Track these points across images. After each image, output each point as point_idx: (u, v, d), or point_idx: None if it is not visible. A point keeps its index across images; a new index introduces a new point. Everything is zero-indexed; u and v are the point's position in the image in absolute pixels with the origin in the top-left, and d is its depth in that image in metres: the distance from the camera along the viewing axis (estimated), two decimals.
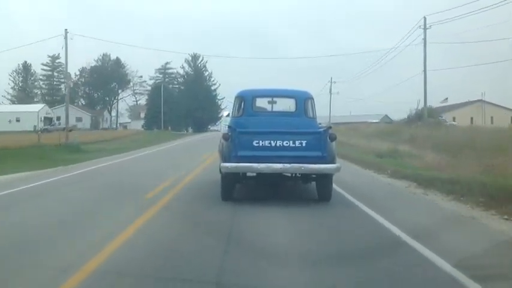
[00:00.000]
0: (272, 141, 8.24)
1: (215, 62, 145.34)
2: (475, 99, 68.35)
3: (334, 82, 73.22)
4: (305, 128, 8.96)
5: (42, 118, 68.90)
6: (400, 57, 60.90)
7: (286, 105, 10.10)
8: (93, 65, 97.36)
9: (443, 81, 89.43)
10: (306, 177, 8.91)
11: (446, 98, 67.33)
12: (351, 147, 23.99)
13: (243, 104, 9.72)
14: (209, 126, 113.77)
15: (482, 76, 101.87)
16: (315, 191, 9.00)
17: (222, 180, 8.75)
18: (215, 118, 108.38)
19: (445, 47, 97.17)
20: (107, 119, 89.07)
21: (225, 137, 8.55)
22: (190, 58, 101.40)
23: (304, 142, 8.25)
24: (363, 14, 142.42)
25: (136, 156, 22.26)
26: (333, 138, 8.42)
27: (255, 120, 9.35)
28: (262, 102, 10.11)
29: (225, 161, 8.38)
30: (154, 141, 38.35)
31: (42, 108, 71.33)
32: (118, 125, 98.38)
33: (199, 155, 20.17)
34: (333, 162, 8.38)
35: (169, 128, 72.62)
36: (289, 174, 9.03)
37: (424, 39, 33.33)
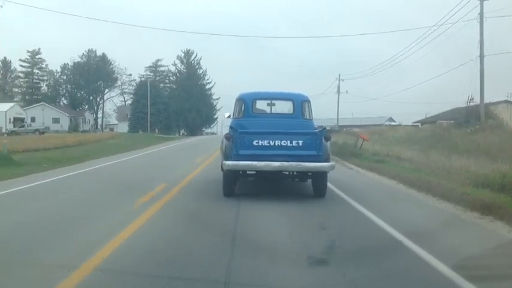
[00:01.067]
0: (271, 141, 8.76)
1: (210, 58, 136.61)
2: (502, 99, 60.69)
3: (342, 80, 64.65)
4: (302, 128, 9.33)
5: (12, 119, 60.35)
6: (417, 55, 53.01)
7: (284, 107, 10.39)
8: (76, 61, 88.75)
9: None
10: (303, 174, 9.32)
11: (473, 98, 59.55)
12: (405, 162, 15.77)
13: (243, 106, 10.03)
14: (203, 129, 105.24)
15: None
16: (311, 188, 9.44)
17: (223, 177, 9.21)
18: (210, 120, 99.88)
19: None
20: (89, 120, 79.99)
21: (227, 136, 9.15)
22: (182, 54, 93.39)
23: (300, 142, 8.78)
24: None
25: (61, 179, 13.74)
26: (327, 138, 9.01)
27: (255, 121, 9.66)
28: (261, 105, 10.47)
29: (227, 159, 8.88)
30: (127, 148, 30.19)
31: (11, 107, 62.55)
32: (104, 126, 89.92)
33: (150, 187, 10.69)
34: (327, 160, 8.91)
35: (157, 130, 64.15)
36: (287, 172, 9.35)
37: (481, 13, 25.25)
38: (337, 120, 65.29)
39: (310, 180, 9.39)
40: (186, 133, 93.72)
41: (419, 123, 70.57)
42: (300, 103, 9.95)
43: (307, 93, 11.22)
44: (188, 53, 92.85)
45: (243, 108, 9.96)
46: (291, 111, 9.97)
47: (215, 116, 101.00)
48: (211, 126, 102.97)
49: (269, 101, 10.49)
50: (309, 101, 10.29)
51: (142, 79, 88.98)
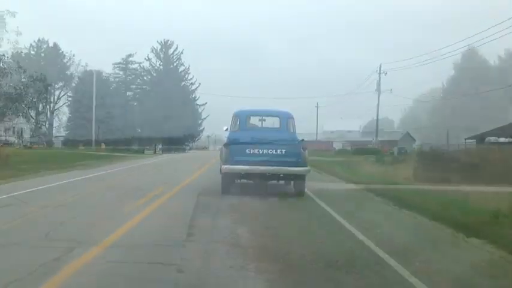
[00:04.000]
0: (260, 150, 11.01)
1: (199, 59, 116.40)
2: None
3: (385, 73, 43.85)
4: (285, 140, 11.50)
5: None
6: None
7: (272, 122, 12.68)
8: (20, 52, 67.28)
9: None
10: (286, 176, 11.69)
11: None
12: None
13: (238, 121, 12.49)
14: (187, 144, 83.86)
15: None
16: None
17: (222, 178, 11.54)
18: (194, 131, 78.61)
19: None
20: (22, 129, 58.57)
21: (225, 146, 11.51)
22: (159, 47, 72.75)
23: (283, 151, 11.03)
24: None
25: None
26: (305, 148, 11.39)
27: (248, 134, 11.89)
28: (254, 120, 12.93)
29: (225, 164, 11.16)
30: None
31: None
32: (53, 138, 68.44)
33: None
34: (305, 166, 11.23)
35: (103, 145, 43.20)
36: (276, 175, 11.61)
37: None
38: (376, 132, 44.44)
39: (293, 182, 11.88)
40: (162, 148, 72.62)
41: (473, 139, 51.18)
42: (286, 119, 12.39)
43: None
44: (166, 45, 72.24)
45: (238, 123, 12.42)
46: (278, 126, 12.36)
47: (201, 127, 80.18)
48: (196, 139, 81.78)
49: (260, 117, 12.86)
50: (292, 118, 12.63)
51: (111, 79, 68.43)
